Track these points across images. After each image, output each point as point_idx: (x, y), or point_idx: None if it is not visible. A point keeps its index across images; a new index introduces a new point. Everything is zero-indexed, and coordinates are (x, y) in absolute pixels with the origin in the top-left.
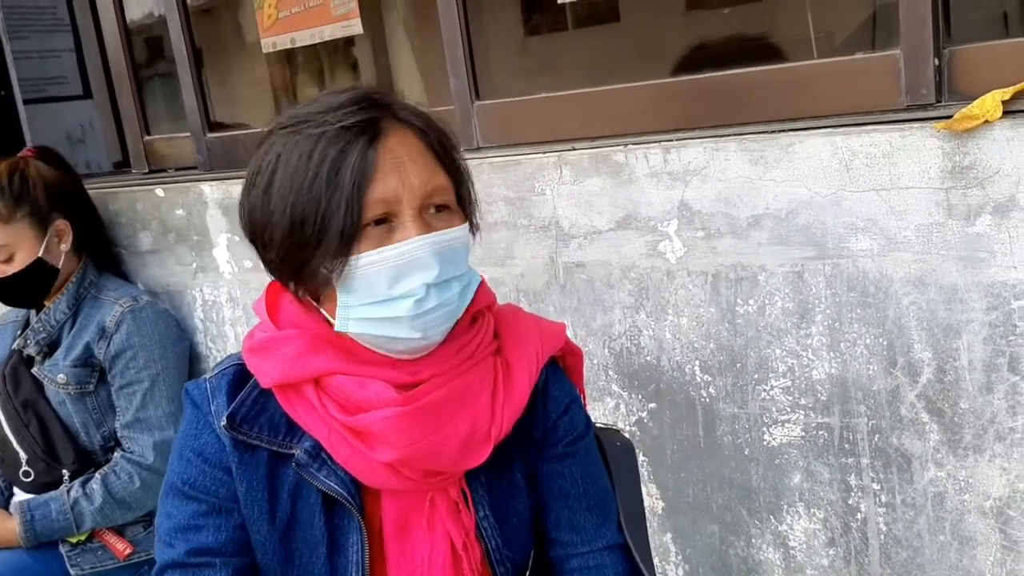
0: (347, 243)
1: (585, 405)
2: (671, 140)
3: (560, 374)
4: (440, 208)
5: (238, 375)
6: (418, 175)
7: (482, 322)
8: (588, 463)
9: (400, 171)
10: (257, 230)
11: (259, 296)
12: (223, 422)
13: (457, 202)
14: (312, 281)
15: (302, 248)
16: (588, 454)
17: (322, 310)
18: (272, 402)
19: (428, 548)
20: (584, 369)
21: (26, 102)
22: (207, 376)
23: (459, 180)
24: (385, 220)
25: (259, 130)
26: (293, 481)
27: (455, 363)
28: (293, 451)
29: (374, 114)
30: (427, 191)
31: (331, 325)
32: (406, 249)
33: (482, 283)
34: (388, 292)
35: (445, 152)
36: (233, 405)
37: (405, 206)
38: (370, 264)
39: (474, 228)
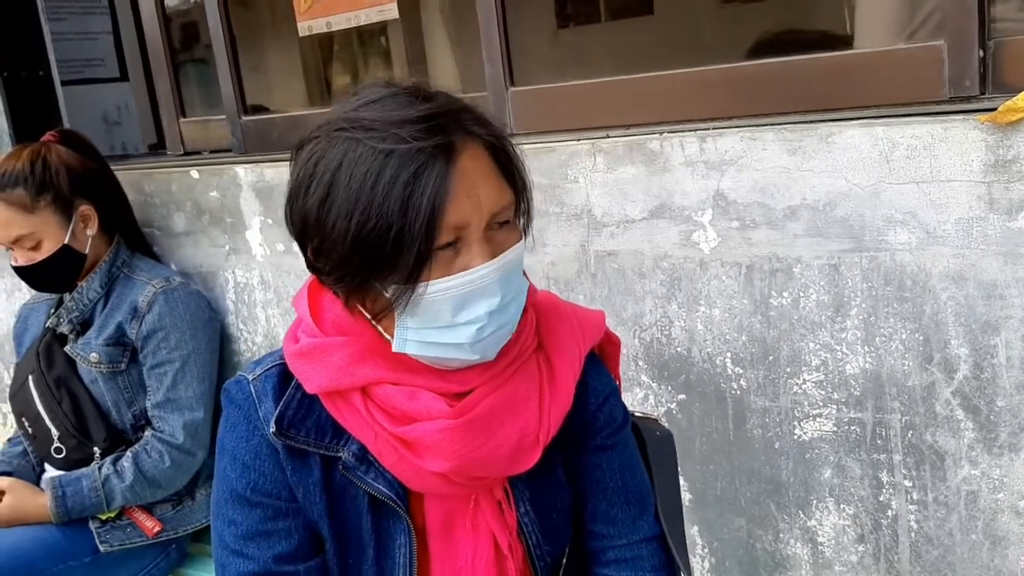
0: (417, 269)
1: (621, 393)
2: (707, 129)
3: (599, 365)
4: (503, 223)
5: (281, 376)
6: (488, 196)
7: (524, 321)
8: (626, 455)
9: (472, 195)
10: (309, 238)
11: (299, 291)
12: (272, 427)
13: (516, 211)
14: (370, 300)
15: (366, 269)
16: (626, 446)
17: (379, 328)
18: (317, 404)
19: (472, 548)
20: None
21: (64, 83)
22: (247, 376)
23: (521, 193)
24: (452, 243)
25: (294, 113)
26: (341, 483)
27: (501, 368)
28: (340, 454)
29: (448, 133)
30: (495, 211)
31: (380, 334)
32: (474, 277)
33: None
34: (451, 320)
35: (511, 164)
36: (279, 408)
37: (473, 229)
38: (437, 292)
39: (527, 233)
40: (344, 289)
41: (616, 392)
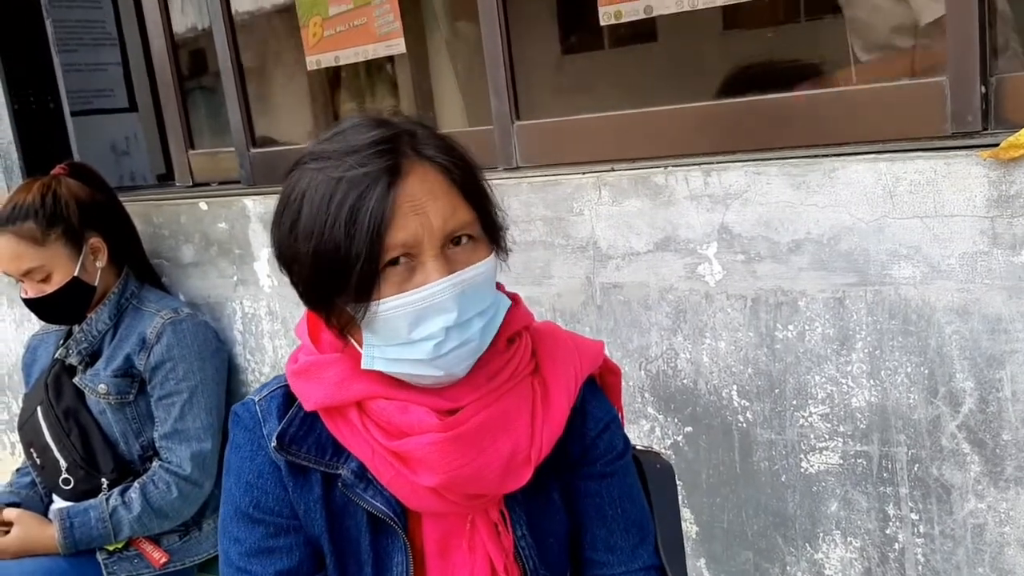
0: (366, 288)
1: (623, 424)
2: (712, 163)
3: (599, 393)
4: (464, 240)
5: (286, 397)
6: (439, 214)
7: (519, 343)
8: (626, 483)
9: (419, 213)
10: (286, 264)
11: (301, 318)
12: (273, 443)
13: (484, 229)
14: (340, 317)
15: (325, 289)
16: (626, 474)
17: (352, 341)
18: (319, 423)
19: (469, 569)
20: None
21: (74, 114)
22: (254, 399)
23: (484, 209)
24: (407, 256)
25: (302, 146)
26: (341, 501)
27: (493, 387)
28: (340, 471)
29: (394, 157)
30: (448, 229)
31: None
32: (426, 294)
33: (517, 304)
34: (408, 336)
35: (469, 183)
36: (282, 425)
37: (426, 247)
38: (389, 310)
39: (504, 252)
40: (316, 308)
41: (616, 420)
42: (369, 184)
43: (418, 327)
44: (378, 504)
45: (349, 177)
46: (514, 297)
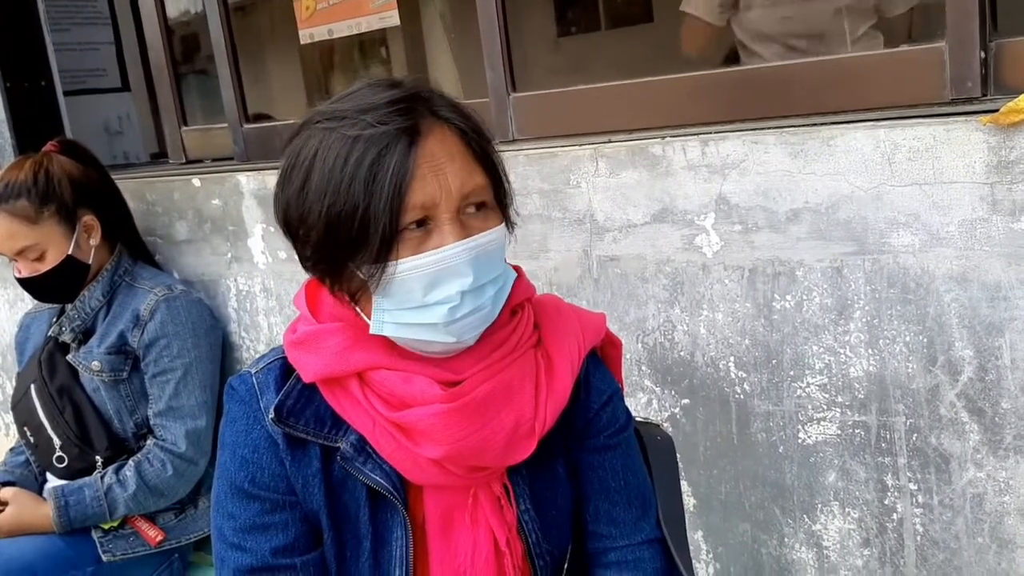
0: (385, 248)
1: (623, 395)
2: (709, 133)
3: (601, 365)
4: (478, 207)
5: (283, 368)
6: (457, 176)
7: (522, 315)
8: (628, 456)
9: (438, 174)
10: (292, 227)
11: (299, 289)
12: (271, 415)
13: (496, 199)
14: (349, 282)
15: (339, 250)
16: (629, 447)
17: (357, 309)
18: (317, 395)
19: (471, 544)
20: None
21: (66, 93)
22: (251, 371)
23: (496, 178)
24: (422, 223)
25: (296, 121)
26: (339, 475)
27: (497, 358)
28: (339, 444)
29: (413, 116)
30: (465, 192)
31: (365, 321)
32: (443, 256)
33: (521, 276)
34: (423, 299)
35: (484, 150)
36: (279, 397)
37: (443, 209)
38: (406, 271)
39: (511, 225)
40: (323, 273)
41: (619, 393)
42: (389, 143)
43: (434, 290)
44: (377, 478)
45: (367, 135)
46: (517, 269)
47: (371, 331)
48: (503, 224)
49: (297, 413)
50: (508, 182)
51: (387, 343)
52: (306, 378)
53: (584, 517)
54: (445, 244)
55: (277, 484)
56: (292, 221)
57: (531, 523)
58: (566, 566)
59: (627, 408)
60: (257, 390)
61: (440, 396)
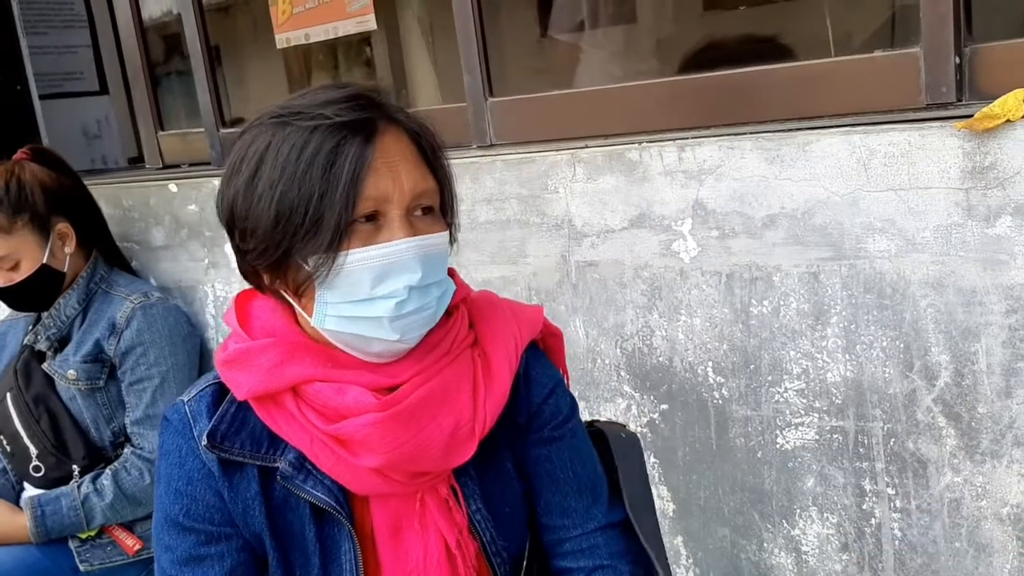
0: (336, 238)
1: (568, 386)
2: (686, 138)
3: (542, 357)
4: (426, 211)
5: (217, 394)
6: (410, 176)
7: (456, 316)
8: (575, 445)
9: (393, 171)
10: (237, 219)
11: (228, 306)
12: (204, 441)
13: (442, 208)
14: (291, 275)
15: (287, 240)
16: (575, 436)
17: (297, 307)
18: (252, 416)
19: (422, 549)
20: (566, 351)
21: (42, 97)
22: (184, 399)
23: (444, 185)
24: (373, 218)
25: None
26: (281, 495)
27: (432, 361)
28: (277, 464)
29: (370, 112)
30: (417, 192)
31: (304, 331)
32: (394, 250)
33: (454, 277)
34: (370, 292)
35: (434, 156)
36: (212, 422)
37: (394, 206)
38: (356, 262)
39: (453, 237)
40: (267, 265)
41: (562, 383)
42: (347, 134)
43: (382, 283)
44: (319, 494)
45: (326, 126)
46: (450, 271)
47: (313, 323)
48: (447, 233)
49: (232, 436)
50: (454, 195)
51: (322, 354)
52: (240, 396)
53: (536, 511)
54: (395, 239)
55: (212, 515)
56: (237, 212)
57: (484, 522)
58: (525, 563)
59: (572, 397)
60: (190, 419)
61: (374, 405)
